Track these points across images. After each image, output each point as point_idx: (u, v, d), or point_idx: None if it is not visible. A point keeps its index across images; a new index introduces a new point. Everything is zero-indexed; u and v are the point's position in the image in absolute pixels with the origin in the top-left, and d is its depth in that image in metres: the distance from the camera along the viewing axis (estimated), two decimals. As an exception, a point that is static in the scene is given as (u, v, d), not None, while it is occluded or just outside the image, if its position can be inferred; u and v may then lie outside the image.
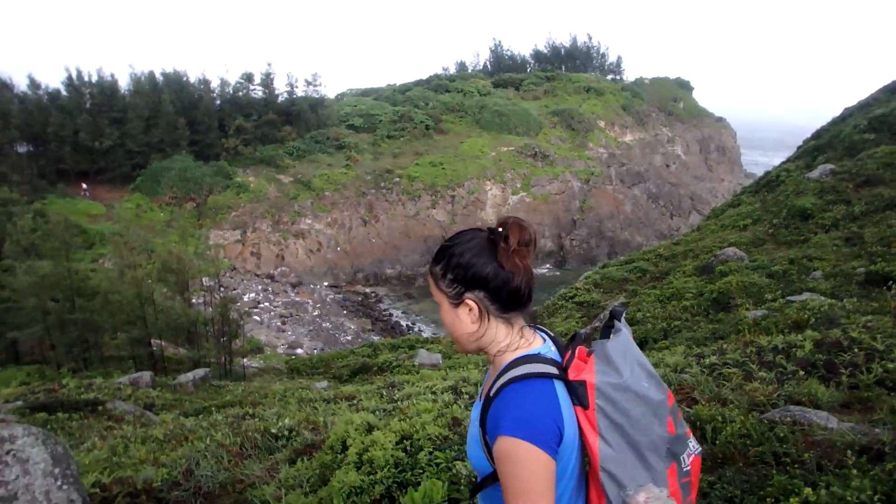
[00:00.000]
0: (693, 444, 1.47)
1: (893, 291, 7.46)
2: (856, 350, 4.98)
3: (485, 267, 1.37)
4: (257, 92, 47.89)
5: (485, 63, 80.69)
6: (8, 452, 2.86)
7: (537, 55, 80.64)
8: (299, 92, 48.81)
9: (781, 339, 5.94)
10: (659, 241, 33.92)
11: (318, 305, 33.55)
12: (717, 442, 3.38)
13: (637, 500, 1.34)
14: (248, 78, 47.63)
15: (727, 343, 6.77)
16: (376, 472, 3.78)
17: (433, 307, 36.05)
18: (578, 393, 1.36)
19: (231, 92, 47.04)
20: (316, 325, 31.24)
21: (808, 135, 23.10)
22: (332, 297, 35.05)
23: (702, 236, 17.41)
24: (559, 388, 1.37)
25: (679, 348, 7.42)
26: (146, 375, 13.72)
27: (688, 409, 4.09)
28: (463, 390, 6.53)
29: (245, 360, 22.75)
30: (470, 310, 1.41)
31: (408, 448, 4.32)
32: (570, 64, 77.99)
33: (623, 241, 44.00)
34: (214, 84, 46.82)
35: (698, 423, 3.65)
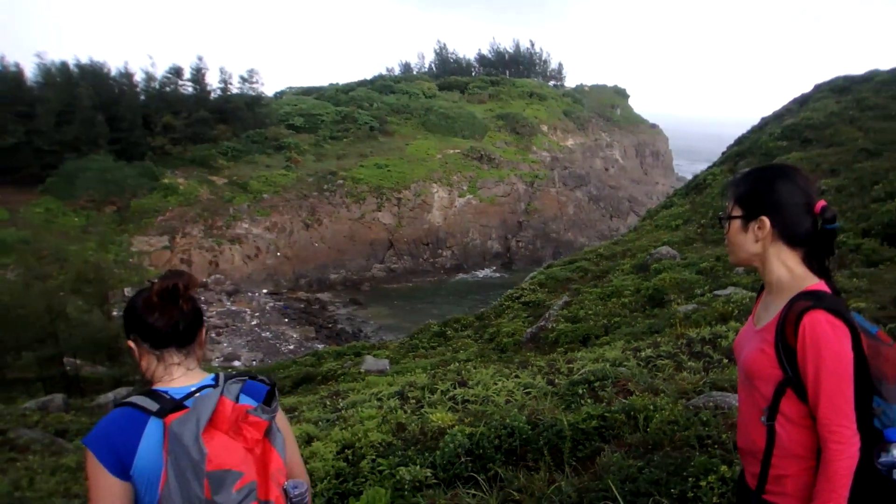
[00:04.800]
0: None
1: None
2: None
3: (133, 311, 1.64)
4: (187, 88, 44.99)
5: (430, 65, 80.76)
6: None
7: (482, 59, 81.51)
8: (234, 89, 46.54)
9: (709, 331, 6.28)
10: (600, 241, 34.69)
11: (257, 314, 32.31)
12: (649, 429, 3.59)
13: None
14: (177, 72, 44.53)
15: (662, 336, 7.08)
16: (316, 485, 3.74)
17: (380, 312, 35.45)
18: (164, 433, 1.51)
19: (157, 87, 43.85)
20: (255, 335, 30.25)
21: (732, 142, 24.44)
22: (272, 304, 33.86)
23: (638, 236, 18.07)
24: (153, 424, 1.53)
25: (619, 343, 7.61)
26: (58, 398, 12.90)
27: (623, 400, 4.27)
28: (409, 395, 6.51)
29: (176, 374, 21.53)
30: (131, 348, 1.68)
31: (349, 457, 4.29)
32: (514, 69, 79.05)
33: (567, 241, 44.78)
34: (138, 77, 43.47)
35: (633, 412, 3.83)
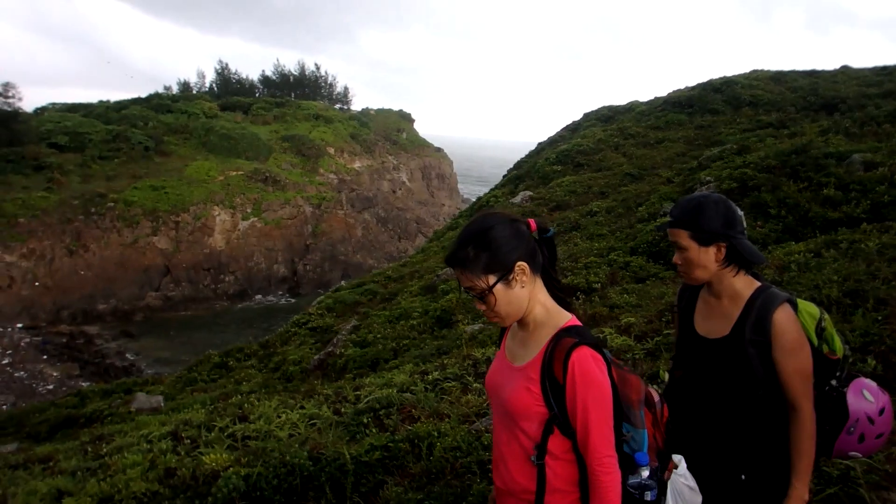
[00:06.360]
0: None
1: (581, 301, 8.40)
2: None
3: None
4: (-79, 101, 37.70)
5: (211, 85, 76.67)
6: None
7: (266, 80, 79.34)
8: (-15, 104, 40.13)
9: (493, 350, 6.18)
10: (389, 262, 35.53)
11: (9, 352, 28.18)
12: (433, 457, 3.46)
13: None
14: None
15: (449, 358, 6.99)
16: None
17: (155, 344, 32.55)
18: None
19: None
20: (5, 376, 26.22)
21: (512, 165, 25.92)
22: (28, 340, 29.60)
23: (426, 257, 18.29)
24: None
25: (407, 367, 7.48)
26: None
27: (409, 428, 4.13)
28: (184, 434, 6.11)
29: None
30: None
31: (105, 514, 3.84)
32: (300, 91, 78.28)
33: (356, 263, 45.15)
34: None
35: (416, 440, 3.70)
